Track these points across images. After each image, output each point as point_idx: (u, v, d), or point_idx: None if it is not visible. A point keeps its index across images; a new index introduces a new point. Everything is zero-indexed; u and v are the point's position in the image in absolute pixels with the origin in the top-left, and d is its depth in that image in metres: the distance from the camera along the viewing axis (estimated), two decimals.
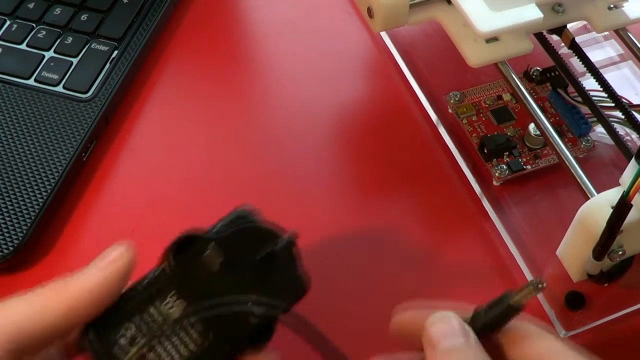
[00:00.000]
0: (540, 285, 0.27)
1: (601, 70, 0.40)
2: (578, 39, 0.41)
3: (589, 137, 0.42)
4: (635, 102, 0.41)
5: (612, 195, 0.31)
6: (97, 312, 0.28)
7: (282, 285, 0.29)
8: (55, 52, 0.46)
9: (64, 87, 0.44)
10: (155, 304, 0.28)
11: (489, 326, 0.27)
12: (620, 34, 0.41)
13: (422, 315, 0.28)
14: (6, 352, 0.26)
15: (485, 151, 0.42)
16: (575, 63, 0.43)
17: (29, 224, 0.38)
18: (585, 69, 0.40)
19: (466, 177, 0.42)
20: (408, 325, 0.29)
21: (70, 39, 0.46)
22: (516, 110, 0.44)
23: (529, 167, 0.41)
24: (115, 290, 0.28)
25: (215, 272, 0.28)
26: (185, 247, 0.29)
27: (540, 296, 0.38)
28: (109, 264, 0.28)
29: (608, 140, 0.40)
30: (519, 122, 0.43)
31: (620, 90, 0.40)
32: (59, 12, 0.48)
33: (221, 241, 0.29)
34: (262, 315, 0.28)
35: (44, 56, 0.45)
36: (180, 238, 0.29)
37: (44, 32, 0.47)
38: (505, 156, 0.42)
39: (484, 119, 0.44)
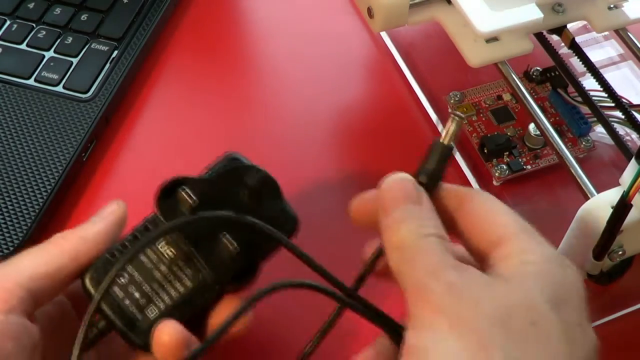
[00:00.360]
0: (457, 117, 0.28)
1: (601, 70, 0.40)
2: (578, 39, 0.41)
3: (589, 137, 0.42)
4: (635, 102, 0.41)
5: (612, 195, 0.31)
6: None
7: (270, 221, 0.30)
8: (55, 52, 0.46)
9: (64, 87, 0.44)
10: (149, 248, 0.30)
11: (434, 175, 0.28)
12: (620, 34, 0.41)
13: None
14: (18, 299, 0.27)
15: (485, 151, 0.42)
16: (575, 63, 0.43)
17: (29, 224, 0.38)
18: (585, 69, 0.40)
19: (466, 177, 0.42)
20: (366, 207, 0.29)
21: (70, 39, 0.46)
22: (516, 110, 0.44)
23: (529, 167, 0.41)
24: (114, 237, 0.31)
25: (195, 209, 0.29)
26: (173, 192, 0.30)
27: None
28: (107, 215, 0.31)
29: (608, 140, 0.40)
30: (519, 122, 0.43)
31: (620, 90, 0.40)
32: (59, 12, 0.48)
33: (205, 181, 0.31)
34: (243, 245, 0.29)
35: (44, 56, 0.45)
36: (164, 183, 0.30)
37: (44, 32, 0.47)
38: (505, 156, 0.42)
39: (484, 119, 0.44)
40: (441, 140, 0.28)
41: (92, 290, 0.29)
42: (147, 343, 0.28)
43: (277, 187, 0.31)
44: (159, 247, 0.30)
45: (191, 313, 0.29)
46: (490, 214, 0.27)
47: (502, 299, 0.24)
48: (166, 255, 0.29)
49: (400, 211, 0.26)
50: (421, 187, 0.28)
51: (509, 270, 0.25)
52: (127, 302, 0.29)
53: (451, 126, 0.28)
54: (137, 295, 0.29)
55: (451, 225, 0.28)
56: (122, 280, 0.29)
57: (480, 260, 0.27)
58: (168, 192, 0.30)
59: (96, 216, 0.31)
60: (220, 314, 0.29)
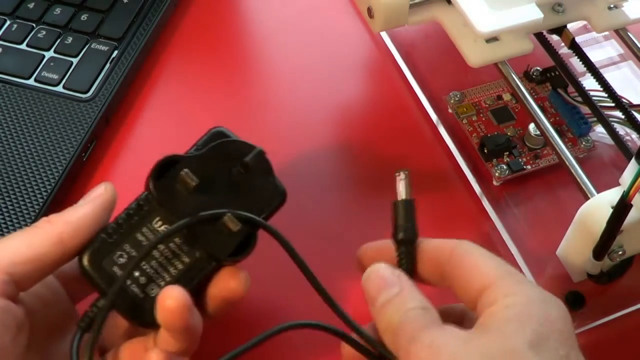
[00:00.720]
0: (403, 174, 0.31)
1: (601, 70, 0.40)
2: (578, 39, 0.41)
3: (589, 137, 0.42)
4: (635, 102, 0.41)
5: (612, 195, 0.31)
6: (85, 241, 0.30)
7: (261, 194, 0.31)
8: (55, 52, 0.46)
9: (64, 87, 0.44)
10: (144, 227, 0.30)
11: (408, 229, 0.30)
12: (620, 34, 0.41)
13: (382, 246, 0.31)
14: (0, 283, 0.27)
15: (485, 151, 0.42)
16: (575, 63, 0.43)
17: (29, 224, 0.38)
18: (585, 69, 0.40)
19: (466, 177, 0.42)
20: (371, 259, 0.31)
21: (70, 39, 0.46)
22: (516, 110, 0.44)
23: (529, 167, 0.41)
24: (101, 220, 0.30)
25: (195, 189, 0.30)
26: (166, 171, 0.30)
27: None
28: (95, 198, 0.31)
29: (608, 140, 0.40)
30: (519, 122, 0.43)
31: (620, 90, 0.40)
32: (59, 12, 0.48)
33: (198, 159, 0.31)
34: (243, 224, 0.29)
35: (44, 56, 0.45)
36: (159, 162, 0.31)
37: (44, 32, 0.47)
38: (505, 156, 0.42)
39: (484, 119, 0.44)
40: (400, 199, 0.31)
41: (91, 272, 0.29)
42: (154, 319, 0.28)
43: (268, 161, 0.32)
44: (155, 225, 0.30)
45: (190, 288, 0.29)
46: (474, 262, 0.28)
47: (481, 349, 0.25)
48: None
49: (382, 297, 0.29)
50: (397, 270, 0.29)
51: (492, 317, 0.26)
52: (128, 282, 0.29)
53: (400, 185, 0.31)
54: (137, 274, 0.29)
55: (443, 278, 0.29)
56: (121, 260, 0.29)
57: (472, 308, 0.28)
58: (162, 171, 0.30)
59: (83, 199, 0.31)
60: (218, 285, 0.30)
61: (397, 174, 0.31)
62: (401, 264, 0.30)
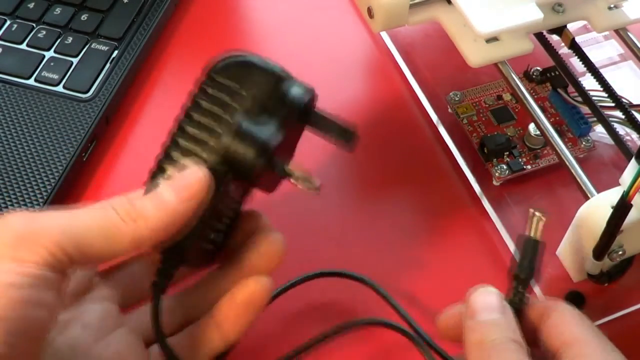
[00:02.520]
0: (539, 214, 0.30)
1: (601, 70, 0.40)
2: (578, 39, 0.41)
3: (589, 137, 0.42)
4: (635, 102, 0.41)
5: (612, 195, 0.31)
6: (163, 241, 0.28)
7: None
8: (55, 52, 0.46)
9: (64, 87, 0.44)
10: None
11: (531, 271, 0.30)
12: (620, 34, 0.41)
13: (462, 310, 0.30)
14: (50, 255, 0.26)
15: (485, 151, 0.42)
16: (575, 63, 0.43)
17: None
18: (585, 69, 0.40)
19: (466, 177, 0.42)
20: (452, 322, 0.31)
21: (70, 39, 0.46)
22: (516, 110, 0.44)
23: (529, 167, 0.41)
24: (186, 223, 0.28)
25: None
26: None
27: (540, 296, 0.38)
28: (190, 196, 0.28)
29: (608, 140, 0.40)
30: (519, 122, 0.43)
31: (620, 90, 0.40)
32: (59, 12, 0.48)
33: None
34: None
35: (44, 56, 0.45)
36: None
37: (44, 32, 0.47)
38: (505, 156, 0.42)
39: (484, 119, 0.44)
40: (532, 237, 0.30)
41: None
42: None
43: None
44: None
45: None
46: (568, 319, 0.29)
47: None
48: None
49: (484, 316, 0.29)
50: (505, 302, 0.30)
51: None
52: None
53: (536, 223, 0.30)
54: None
55: (535, 339, 0.29)
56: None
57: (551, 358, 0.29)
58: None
59: (180, 188, 0.28)
60: (242, 231, 0.32)
61: (537, 213, 0.30)
62: (512, 299, 0.30)
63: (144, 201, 0.28)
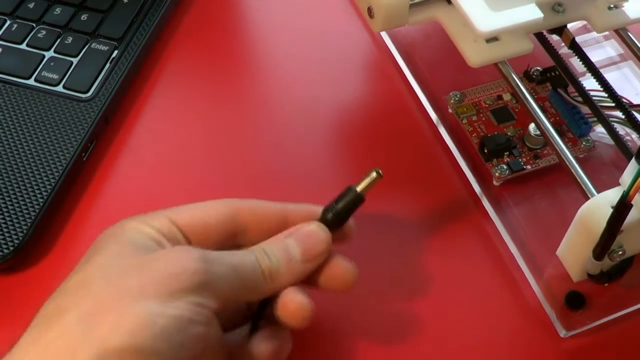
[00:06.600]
0: (376, 175, 0.33)
1: (601, 70, 0.40)
2: (578, 39, 0.41)
3: (589, 137, 0.42)
4: (635, 102, 0.41)
5: (612, 195, 0.31)
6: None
7: None
8: (55, 52, 0.46)
9: (64, 87, 0.44)
10: None
11: (339, 215, 0.33)
12: (620, 34, 0.41)
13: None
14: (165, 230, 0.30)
15: (485, 151, 0.42)
16: (575, 63, 0.43)
17: (29, 224, 0.38)
18: (585, 69, 0.40)
19: (466, 177, 0.42)
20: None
21: (70, 39, 0.46)
22: (516, 110, 0.44)
23: (529, 167, 0.41)
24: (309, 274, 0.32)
25: None
26: None
27: (540, 296, 0.38)
28: (313, 259, 0.32)
29: (608, 140, 0.40)
30: (519, 122, 0.43)
31: (620, 90, 0.40)
32: (59, 12, 0.48)
33: None
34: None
35: (44, 56, 0.45)
36: None
37: (44, 32, 0.47)
38: (505, 156, 0.42)
39: (484, 119, 0.44)
40: (358, 190, 0.33)
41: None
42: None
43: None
44: None
45: None
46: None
47: None
48: None
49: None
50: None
51: None
52: None
53: (370, 182, 0.33)
54: None
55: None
56: None
57: None
58: None
59: (306, 250, 0.31)
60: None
61: (374, 174, 0.33)
62: None
63: (279, 264, 0.31)
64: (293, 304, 0.31)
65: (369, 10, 0.38)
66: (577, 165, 0.35)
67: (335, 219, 0.33)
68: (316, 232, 0.32)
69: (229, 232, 0.32)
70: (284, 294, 0.31)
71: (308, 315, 0.31)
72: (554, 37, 0.42)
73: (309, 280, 0.32)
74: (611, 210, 0.30)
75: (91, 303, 0.26)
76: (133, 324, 0.25)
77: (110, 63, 0.45)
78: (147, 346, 0.25)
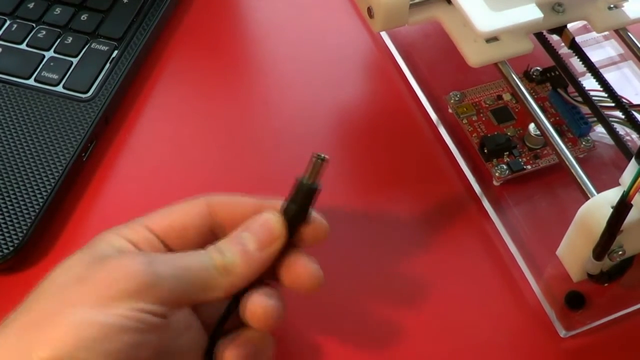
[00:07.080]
0: (320, 159, 0.31)
1: (601, 70, 0.40)
2: (578, 39, 0.41)
3: (589, 137, 0.42)
4: (635, 102, 0.41)
5: (612, 195, 0.31)
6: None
7: None
8: (55, 52, 0.46)
9: (64, 87, 0.44)
10: None
11: (291, 208, 0.31)
12: (620, 34, 0.41)
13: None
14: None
15: (485, 151, 0.42)
16: (575, 63, 0.43)
17: (29, 224, 0.38)
18: (585, 69, 0.40)
19: (466, 177, 0.42)
20: None
21: (70, 39, 0.46)
22: (516, 110, 0.44)
23: (529, 167, 0.41)
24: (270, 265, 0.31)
25: None
26: None
27: (540, 296, 0.38)
28: (269, 244, 0.31)
29: (608, 140, 0.40)
30: (519, 122, 0.43)
31: (620, 90, 0.40)
32: (59, 12, 0.48)
33: None
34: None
35: (44, 56, 0.45)
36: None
37: (44, 32, 0.47)
38: (505, 156, 0.42)
39: (484, 119, 0.44)
40: (305, 182, 0.32)
41: None
42: None
43: None
44: None
45: None
46: None
47: None
48: None
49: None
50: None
51: None
52: None
53: (315, 168, 0.32)
54: None
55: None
56: None
57: None
58: None
59: (261, 239, 0.31)
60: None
61: (317, 157, 0.31)
62: None
63: (234, 256, 0.30)
64: (253, 305, 0.30)
65: (369, 10, 0.38)
66: (577, 165, 0.35)
67: (289, 212, 0.31)
68: (268, 219, 0.31)
69: (207, 230, 0.32)
70: (247, 295, 0.30)
71: (271, 317, 0.30)
72: (554, 37, 0.42)
73: (274, 278, 0.32)
74: (611, 210, 0.30)
75: (34, 314, 0.26)
76: (62, 335, 0.25)
77: (110, 63, 0.45)
78: (73, 357, 0.25)
